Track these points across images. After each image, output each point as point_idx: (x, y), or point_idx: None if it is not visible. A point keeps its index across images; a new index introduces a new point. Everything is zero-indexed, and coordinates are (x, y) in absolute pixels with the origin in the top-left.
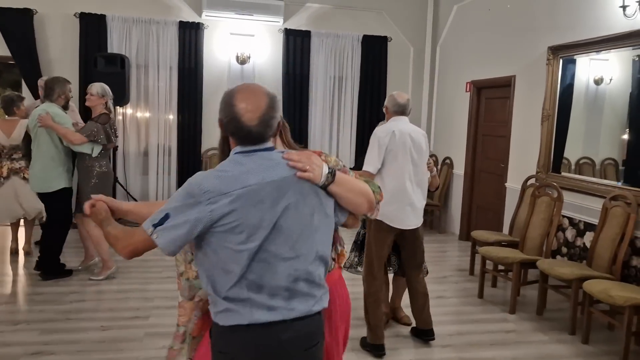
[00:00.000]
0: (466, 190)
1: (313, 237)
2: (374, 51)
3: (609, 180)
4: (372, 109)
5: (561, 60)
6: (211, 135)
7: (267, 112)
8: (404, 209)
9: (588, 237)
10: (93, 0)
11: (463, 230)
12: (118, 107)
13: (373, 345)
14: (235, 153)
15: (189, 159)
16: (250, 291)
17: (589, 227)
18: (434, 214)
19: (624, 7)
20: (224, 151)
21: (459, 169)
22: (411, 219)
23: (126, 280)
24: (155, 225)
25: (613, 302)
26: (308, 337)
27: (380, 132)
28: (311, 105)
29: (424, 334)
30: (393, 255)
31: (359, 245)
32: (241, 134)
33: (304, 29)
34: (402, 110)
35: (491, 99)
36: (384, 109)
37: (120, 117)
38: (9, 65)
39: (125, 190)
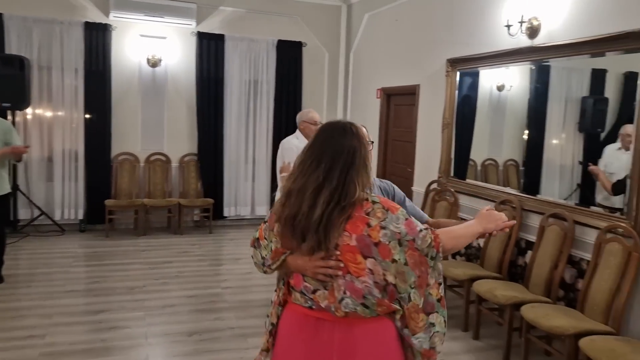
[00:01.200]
0: None
1: None
2: (289, 56)
3: (510, 178)
4: (288, 113)
5: (458, 72)
6: (122, 140)
7: None
8: None
9: (481, 239)
10: None
11: None
12: (18, 111)
13: None
14: None
15: (98, 165)
16: None
17: None
18: None
19: (508, 26)
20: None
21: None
22: None
23: (26, 295)
24: None
25: (497, 300)
26: None
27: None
28: (226, 109)
29: None
30: None
31: None
32: None
33: (217, 32)
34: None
35: (399, 106)
36: None
37: (20, 122)
38: None
39: (28, 198)
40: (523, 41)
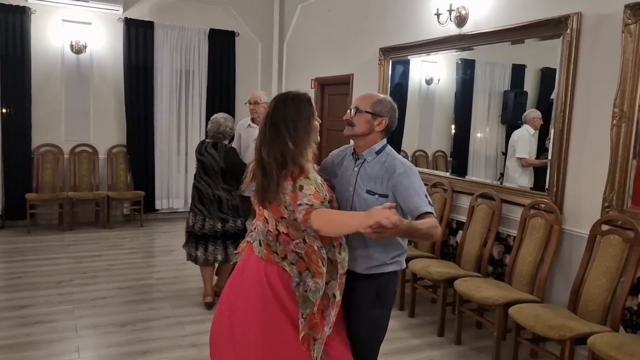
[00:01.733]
0: None
1: None
2: (222, 45)
3: (439, 168)
4: (221, 103)
5: (391, 61)
6: (43, 131)
7: None
8: None
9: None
10: None
11: None
12: None
13: None
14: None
15: (17, 157)
16: None
17: None
18: None
19: (437, 15)
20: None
21: None
22: None
23: None
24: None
25: (431, 277)
26: None
27: None
28: (156, 99)
29: None
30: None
31: None
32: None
33: (146, 19)
34: None
35: (334, 96)
36: None
37: None
38: None
39: None
40: (452, 29)
